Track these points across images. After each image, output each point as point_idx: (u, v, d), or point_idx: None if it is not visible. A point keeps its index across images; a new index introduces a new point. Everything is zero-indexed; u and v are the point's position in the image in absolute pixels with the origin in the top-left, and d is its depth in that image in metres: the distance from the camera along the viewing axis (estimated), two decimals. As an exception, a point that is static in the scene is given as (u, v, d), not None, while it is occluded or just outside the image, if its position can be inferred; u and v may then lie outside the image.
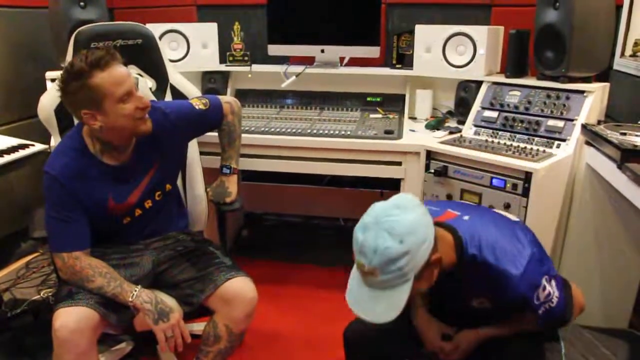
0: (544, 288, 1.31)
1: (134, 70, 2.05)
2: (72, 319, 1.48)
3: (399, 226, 1.16)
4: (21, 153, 2.11)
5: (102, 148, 1.62)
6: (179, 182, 2.03)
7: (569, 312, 1.39)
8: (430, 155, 2.28)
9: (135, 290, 1.58)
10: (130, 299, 1.56)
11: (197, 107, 1.84)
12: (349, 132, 2.44)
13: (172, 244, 1.85)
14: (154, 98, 2.02)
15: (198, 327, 2.13)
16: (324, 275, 2.95)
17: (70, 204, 1.59)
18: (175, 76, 2.16)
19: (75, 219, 1.60)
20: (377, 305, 1.21)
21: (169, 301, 1.67)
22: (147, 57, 2.07)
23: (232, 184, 1.97)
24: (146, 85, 2.05)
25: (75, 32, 1.94)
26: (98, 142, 1.61)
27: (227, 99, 1.99)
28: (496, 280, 1.29)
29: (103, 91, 1.47)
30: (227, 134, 1.97)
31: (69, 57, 1.92)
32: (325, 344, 2.31)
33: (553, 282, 1.34)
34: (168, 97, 2.12)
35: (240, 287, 1.67)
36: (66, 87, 1.50)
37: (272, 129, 2.50)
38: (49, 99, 1.92)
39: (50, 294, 2.63)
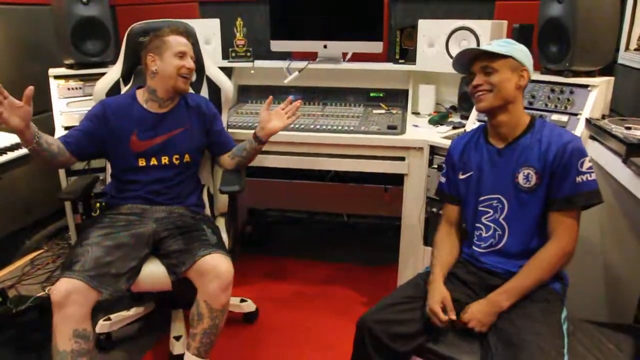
0: (589, 161, 1.55)
1: None
2: (63, 288, 1.68)
3: (524, 47, 1.64)
4: (24, 150, 2.11)
5: (148, 97, 2.06)
6: (208, 178, 2.32)
7: (601, 195, 1.56)
8: (433, 150, 2.27)
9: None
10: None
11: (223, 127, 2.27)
12: (352, 128, 2.44)
13: (175, 218, 2.02)
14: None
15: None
16: (327, 271, 2.95)
17: (93, 120, 2.02)
18: (211, 68, 2.35)
19: (84, 129, 2.00)
20: (478, 47, 1.62)
21: None
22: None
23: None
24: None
25: (130, 28, 2.28)
26: (147, 92, 2.06)
27: None
28: (557, 135, 1.57)
29: (168, 44, 2.00)
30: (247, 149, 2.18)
31: (122, 48, 2.29)
32: (330, 339, 2.32)
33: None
34: (204, 87, 2.33)
35: (214, 261, 1.81)
36: (150, 40, 2.05)
37: (275, 125, 2.49)
38: (103, 84, 2.28)
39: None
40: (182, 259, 1.86)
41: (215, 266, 1.80)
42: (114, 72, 2.28)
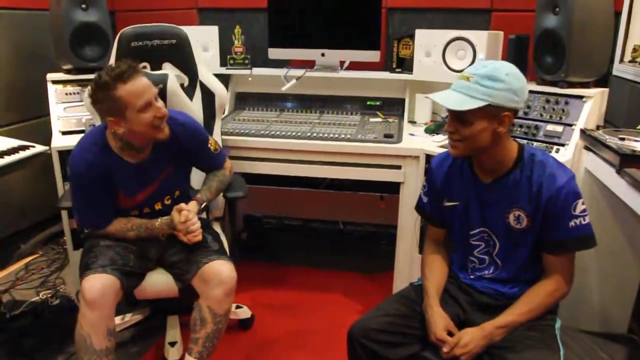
0: (583, 203, 1.47)
1: (171, 71, 2.20)
2: (98, 283, 1.68)
3: (515, 72, 1.44)
4: (21, 154, 2.11)
5: (122, 146, 1.79)
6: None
7: (595, 240, 1.50)
8: (429, 159, 2.28)
9: (157, 223, 1.88)
10: (158, 233, 1.89)
11: (209, 145, 2.01)
12: (348, 136, 2.45)
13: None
14: (186, 97, 2.19)
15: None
16: (323, 278, 2.95)
17: (95, 190, 1.80)
18: (205, 73, 2.31)
19: (100, 201, 1.83)
20: (454, 96, 1.43)
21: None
22: (180, 55, 2.24)
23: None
24: (176, 81, 2.14)
25: (120, 33, 2.16)
26: (120, 141, 1.78)
27: (230, 162, 2.14)
28: (549, 177, 1.46)
29: (125, 102, 1.64)
30: (220, 181, 2.05)
31: (113, 55, 2.16)
32: (324, 347, 2.31)
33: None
34: (197, 92, 2.28)
35: (218, 267, 1.81)
36: (94, 96, 1.68)
37: (272, 132, 2.50)
38: None
39: (49, 295, 2.64)
40: (186, 267, 1.87)
41: (218, 272, 1.80)
42: None
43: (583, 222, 1.47)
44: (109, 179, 1.80)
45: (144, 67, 1.93)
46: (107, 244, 1.86)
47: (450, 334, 1.52)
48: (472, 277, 1.66)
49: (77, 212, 1.88)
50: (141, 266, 1.89)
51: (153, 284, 1.91)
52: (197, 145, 1.96)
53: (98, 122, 2.07)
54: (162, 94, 2.04)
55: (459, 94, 1.43)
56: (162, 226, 1.88)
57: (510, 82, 1.41)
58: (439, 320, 1.54)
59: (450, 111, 1.46)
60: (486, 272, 1.63)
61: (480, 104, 1.39)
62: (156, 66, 2.22)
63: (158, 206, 1.94)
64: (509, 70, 1.43)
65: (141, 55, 2.15)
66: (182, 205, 1.87)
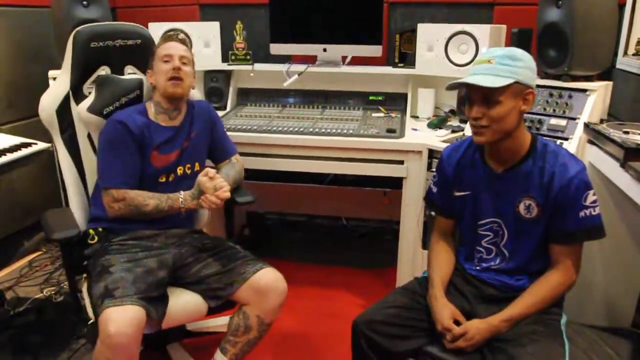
0: (594, 194, 1.48)
1: (132, 70, 2.12)
2: (127, 324, 1.49)
3: (527, 53, 1.47)
4: (24, 152, 2.11)
5: (156, 110, 1.93)
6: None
7: (604, 231, 1.50)
8: (432, 154, 2.28)
9: (181, 196, 1.83)
10: (181, 205, 1.82)
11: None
12: (351, 131, 2.44)
13: (189, 241, 1.93)
14: None
15: (214, 323, 2.23)
16: (326, 274, 2.95)
17: (127, 151, 1.83)
18: None
19: (129, 162, 1.83)
20: (479, 76, 1.44)
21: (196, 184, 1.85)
22: (144, 57, 2.06)
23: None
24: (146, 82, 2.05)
25: (74, 32, 1.96)
26: (153, 105, 1.93)
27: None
28: (561, 167, 1.48)
29: (157, 54, 1.91)
30: (237, 172, 2.07)
31: (67, 56, 1.96)
32: (327, 342, 2.31)
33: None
34: None
35: (272, 278, 1.78)
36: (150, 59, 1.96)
37: (274, 128, 2.50)
38: (51, 99, 1.93)
39: (53, 292, 2.64)
40: (226, 280, 1.78)
41: (273, 283, 1.77)
42: (60, 86, 1.96)
43: (593, 213, 1.48)
44: (144, 141, 1.85)
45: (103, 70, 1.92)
46: (127, 267, 1.69)
47: (457, 322, 1.52)
48: (477, 267, 1.66)
49: (104, 170, 1.83)
50: (163, 287, 1.72)
51: (182, 307, 1.74)
52: (218, 123, 2.10)
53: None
54: (139, 101, 2.01)
55: (486, 76, 1.44)
56: (185, 197, 1.82)
57: (527, 61, 1.46)
58: (444, 309, 1.54)
59: (477, 96, 1.46)
60: (492, 262, 1.63)
61: (509, 81, 1.42)
62: (117, 69, 2.08)
63: (180, 170, 1.93)
64: (522, 51, 1.48)
65: (101, 57, 2.01)
66: (207, 168, 1.83)
